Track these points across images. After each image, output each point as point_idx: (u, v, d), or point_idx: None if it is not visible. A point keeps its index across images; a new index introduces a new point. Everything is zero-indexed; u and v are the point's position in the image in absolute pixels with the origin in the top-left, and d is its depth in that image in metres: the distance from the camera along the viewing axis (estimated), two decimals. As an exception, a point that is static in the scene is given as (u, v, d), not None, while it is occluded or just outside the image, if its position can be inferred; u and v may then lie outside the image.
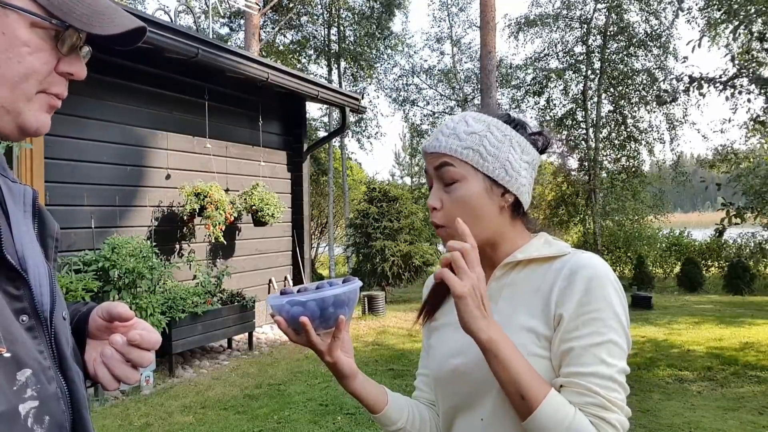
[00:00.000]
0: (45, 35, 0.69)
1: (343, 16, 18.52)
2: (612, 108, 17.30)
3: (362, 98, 8.75)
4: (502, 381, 0.91)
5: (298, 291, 0.96)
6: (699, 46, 6.56)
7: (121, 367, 0.81)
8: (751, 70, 6.62)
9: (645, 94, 16.61)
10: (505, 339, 0.91)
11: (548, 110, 17.94)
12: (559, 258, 1.01)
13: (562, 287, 0.97)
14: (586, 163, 16.44)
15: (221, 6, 13.86)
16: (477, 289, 0.90)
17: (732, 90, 6.60)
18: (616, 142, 17.16)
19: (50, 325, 0.73)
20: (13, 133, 0.72)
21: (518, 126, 1.05)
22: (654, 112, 16.76)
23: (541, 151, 1.08)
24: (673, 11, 15.88)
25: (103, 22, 0.71)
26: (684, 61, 7.20)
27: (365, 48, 18.68)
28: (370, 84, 20.21)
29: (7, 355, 0.65)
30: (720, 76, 6.44)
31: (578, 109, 17.44)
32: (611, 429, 0.90)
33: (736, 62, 6.79)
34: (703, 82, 6.38)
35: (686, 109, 16.49)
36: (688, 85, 6.39)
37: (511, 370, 0.90)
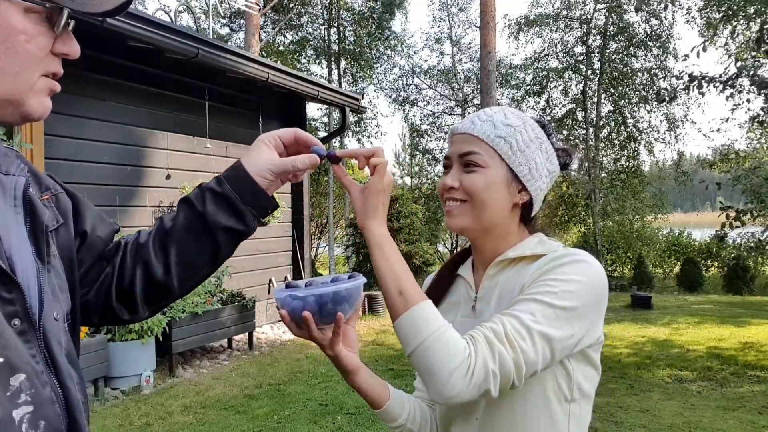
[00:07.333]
0: (39, 19, 0.68)
1: (343, 16, 18.52)
2: (612, 108, 17.31)
3: (362, 98, 8.74)
4: (384, 275, 0.93)
5: (306, 284, 0.97)
6: (704, 50, 6.53)
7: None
8: (750, 71, 6.61)
9: (645, 93, 16.61)
10: (392, 239, 0.95)
11: (548, 110, 17.94)
12: (548, 255, 1.00)
13: (534, 273, 0.97)
14: (586, 163, 16.45)
15: (221, 6, 13.85)
16: (390, 189, 0.96)
17: (732, 90, 6.59)
18: (616, 142, 17.17)
19: (39, 328, 0.71)
20: (16, 121, 0.71)
21: (550, 136, 1.07)
22: (654, 112, 16.76)
23: (562, 167, 1.10)
24: (665, 5, 15.80)
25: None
26: (685, 59, 7.18)
27: (365, 48, 18.67)
28: (369, 84, 20.21)
29: (1, 360, 0.64)
30: (720, 75, 6.43)
31: (578, 109, 17.45)
32: (486, 349, 0.86)
33: (738, 64, 6.79)
34: (702, 81, 6.37)
35: (687, 108, 16.51)
36: (688, 83, 6.38)
37: (395, 266, 0.93)
